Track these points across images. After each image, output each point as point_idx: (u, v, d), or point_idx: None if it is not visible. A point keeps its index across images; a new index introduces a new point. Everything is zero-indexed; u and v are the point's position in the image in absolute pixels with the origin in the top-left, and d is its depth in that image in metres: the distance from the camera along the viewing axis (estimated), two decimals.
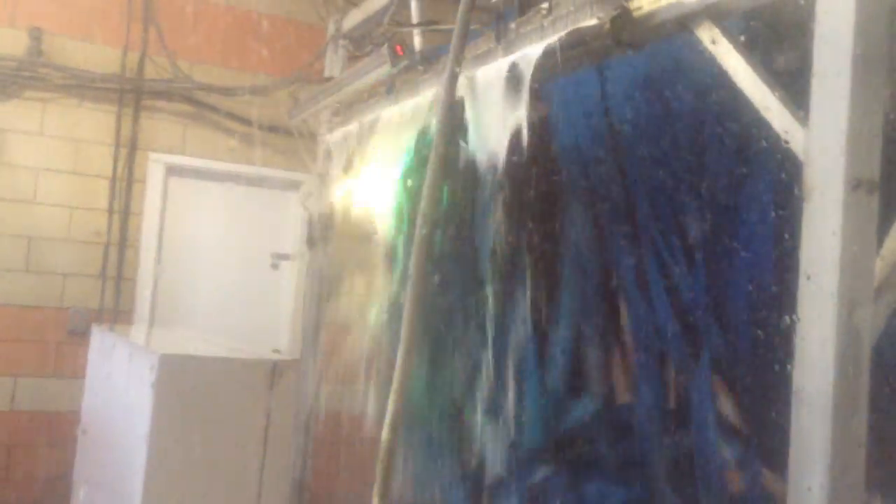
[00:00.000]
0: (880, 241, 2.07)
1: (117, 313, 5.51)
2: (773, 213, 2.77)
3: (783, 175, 2.48)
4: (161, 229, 5.68)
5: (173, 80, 5.66)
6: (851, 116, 2.01)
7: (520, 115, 3.00)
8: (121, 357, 2.46)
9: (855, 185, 1.97)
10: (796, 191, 2.20)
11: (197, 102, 5.73)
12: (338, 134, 5.26)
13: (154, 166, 5.65)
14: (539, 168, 3.14)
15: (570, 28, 2.99)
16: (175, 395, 2.08)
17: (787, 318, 1.99)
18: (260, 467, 2.08)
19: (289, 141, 5.76)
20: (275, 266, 5.95)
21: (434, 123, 2.64)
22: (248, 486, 2.06)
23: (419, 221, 2.37)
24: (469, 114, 3.26)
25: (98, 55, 5.54)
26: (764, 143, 2.47)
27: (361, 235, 4.40)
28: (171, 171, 5.73)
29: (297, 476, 5.36)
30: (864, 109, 2.03)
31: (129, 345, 2.39)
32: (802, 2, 2.24)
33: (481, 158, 3.18)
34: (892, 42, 2.10)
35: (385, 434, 2.21)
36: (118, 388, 2.42)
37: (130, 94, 5.59)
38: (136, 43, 5.63)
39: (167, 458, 2.06)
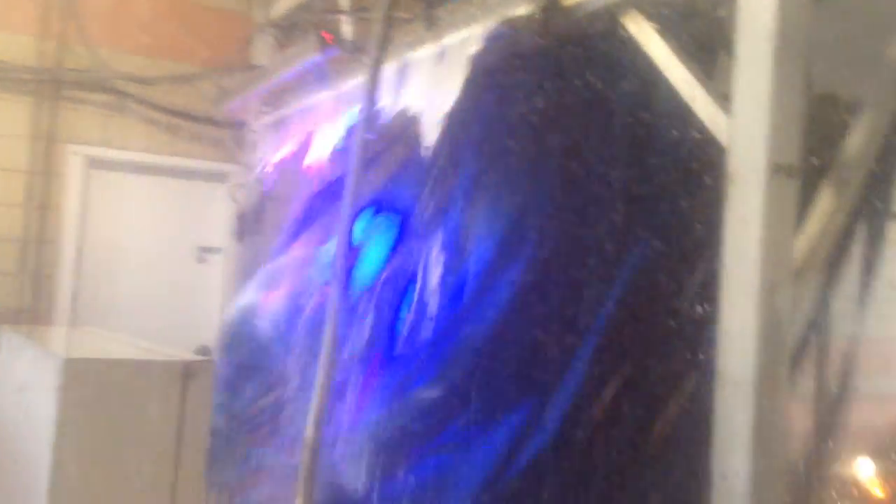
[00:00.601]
0: (800, 225, 2.11)
1: (37, 312, 5.30)
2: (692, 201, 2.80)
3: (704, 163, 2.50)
4: (82, 224, 5.47)
5: (94, 69, 5.45)
6: (773, 103, 2.04)
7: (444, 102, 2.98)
8: (27, 361, 2.34)
9: (776, 169, 2.00)
10: (707, 179, 2.22)
11: (119, 93, 5.53)
12: (267, 123, 5.16)
13: (74, 159, 5.44)
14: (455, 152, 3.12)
15: (499, 17, 2.98)
16: (81, 401, 1.97)
17: (703, 305, 2.01)
18: (173, 474, 2.00)
19: (215, 131, 5.61)
20: (201, 260, 5.80)
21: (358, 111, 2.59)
22: (161, 495, 1.98)
23: (343, 211, 2.32)
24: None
25: (13, 44, 5.30)
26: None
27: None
28: (93, 163, 5.52)
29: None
30: (785, 96, 2.06)
31: (35, 348, 2.27)
32: None
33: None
34: (811, 30, 2.14)
35: (308, 432, 2.15)
36: (23, 394, 2.30)
37: (48, 84, 5.37)
38: (54, 32, 5.39)
39: (73, 468, 1.96)
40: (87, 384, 1.96)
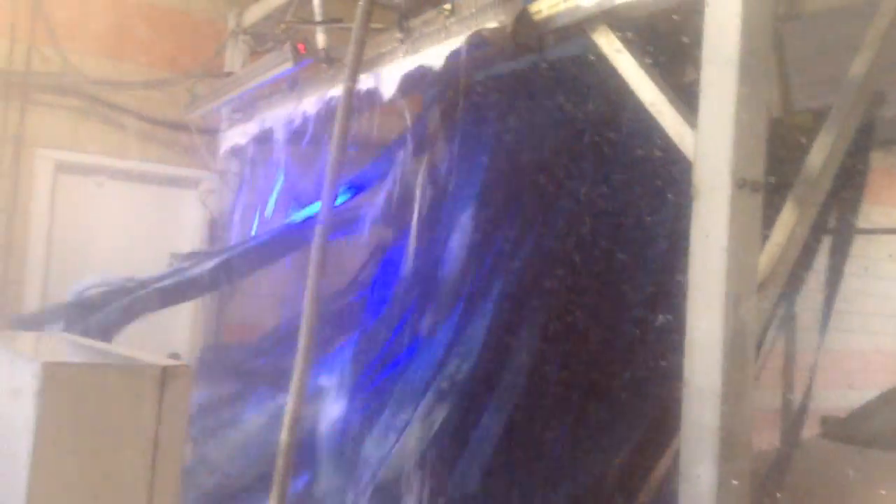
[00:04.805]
0: (764, 239, 2.17)
1: (3, 318, 5.23)
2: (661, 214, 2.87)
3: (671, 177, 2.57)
4: (50, 229, 5.41)
5: (63, 73, 5.40)
6: (737, 118, 2.10)
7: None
8: (1, 365, 2.32)
9: (741, 184, 2.06)
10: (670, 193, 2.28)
11: (89, 97, 5.49)
12: (238, 131, 5.15)
13: (42, 163, 5.38)
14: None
15: (472, 30, 3.03)
16: (59, 406, 1.96)
17: (666, 316, 2.06)
18: (149, 480, 2.00)
19: (187, 137, 5.58)
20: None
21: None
22: (138, 500, 1.98)
23: (317, 225, 2.34)
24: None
25: None
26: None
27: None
28: (62, 168, 5.46)
29: None
30: (749, 112, 2.12)
31: (8, 351, 2.25)
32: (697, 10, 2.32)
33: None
34: (774, 49, 2.21)
35: (284, 436, 2.18)
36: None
37: (17, 87, 5.31)
38: (24, 34, 5.34)
39: (51, 475, 1.95)
40: (65, 389, 1.95)
